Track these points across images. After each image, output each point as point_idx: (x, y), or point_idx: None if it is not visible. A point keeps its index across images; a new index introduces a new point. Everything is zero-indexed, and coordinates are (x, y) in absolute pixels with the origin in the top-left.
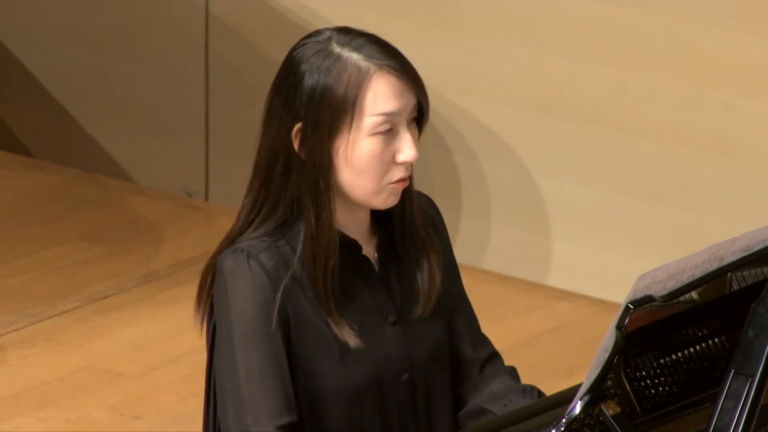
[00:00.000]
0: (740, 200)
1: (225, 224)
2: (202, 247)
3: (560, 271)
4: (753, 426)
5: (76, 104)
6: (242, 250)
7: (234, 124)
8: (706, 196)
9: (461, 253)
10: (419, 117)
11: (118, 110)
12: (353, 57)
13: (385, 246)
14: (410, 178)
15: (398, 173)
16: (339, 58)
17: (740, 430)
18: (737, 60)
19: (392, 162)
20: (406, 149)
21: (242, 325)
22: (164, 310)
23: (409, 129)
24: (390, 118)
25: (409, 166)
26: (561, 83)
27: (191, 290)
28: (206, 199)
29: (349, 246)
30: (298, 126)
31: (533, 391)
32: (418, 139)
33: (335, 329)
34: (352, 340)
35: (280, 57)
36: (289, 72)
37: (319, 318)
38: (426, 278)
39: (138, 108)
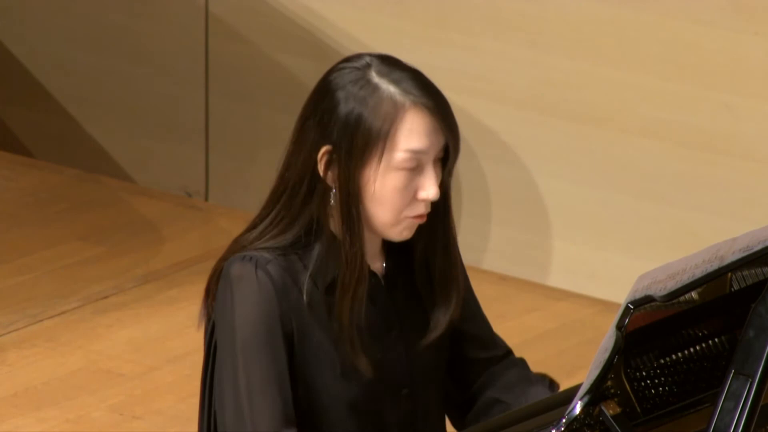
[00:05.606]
0: (740, 200)
1: (225, 224)
2: (202, 247)
3: (560, 271)
4: (753, 426)
5: (76, 104)
6: (251, 258)
7: (234, 124)
8: (706, 196)
9: (461, 254)
10: (445, 157)
11: (118, 110)
12: (390, 90)
13: (393, 262)
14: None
15: (418, 209)
16: (376, 89)
17: (740, 430)
18: (737, 60)
19: (413, 198)
20: (429, 187)
21: (246, 334)
22: (164, 310)
23: (434, 167)
24: (418, 155)
25: (429, 203)
26: (561, 83)
27: (191, 290)
28: (206, 199)
29: None
30: (326, 148)
31: (544, 380)
32: (440, 178)
33: (351, 358)
34: (366, 369)
35: (280, 57)
36: (325, 95)
37: (327, 338)
38: (445, 318)
39: (138, 108)
